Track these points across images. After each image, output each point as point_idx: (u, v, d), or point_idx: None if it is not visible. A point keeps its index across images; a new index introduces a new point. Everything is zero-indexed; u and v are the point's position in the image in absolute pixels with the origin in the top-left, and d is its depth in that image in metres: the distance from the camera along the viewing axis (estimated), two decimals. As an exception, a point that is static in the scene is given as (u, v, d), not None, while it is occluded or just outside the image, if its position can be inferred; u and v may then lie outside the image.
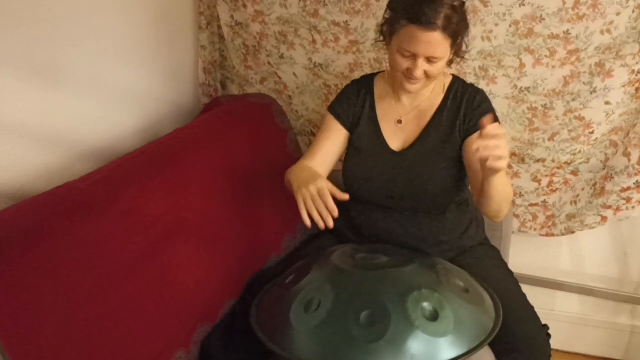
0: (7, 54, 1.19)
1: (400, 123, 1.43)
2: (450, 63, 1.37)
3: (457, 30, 1.25)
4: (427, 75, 1.30)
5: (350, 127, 1.47)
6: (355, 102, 1.48)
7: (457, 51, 1.34)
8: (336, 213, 1.15)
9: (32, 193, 1.20)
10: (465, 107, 1.38)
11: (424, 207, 1.41)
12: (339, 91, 1.87)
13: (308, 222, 1.16)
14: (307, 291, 1.10)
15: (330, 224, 1.14)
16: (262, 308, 1.18)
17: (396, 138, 1.44)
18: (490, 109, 1.39)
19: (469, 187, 1.46)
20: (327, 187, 1.18)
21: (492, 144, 1.05)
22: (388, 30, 1.32)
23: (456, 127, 1.38)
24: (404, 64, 1.28)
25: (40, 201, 1.09)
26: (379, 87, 1.48)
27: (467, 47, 1.38)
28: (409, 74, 1.29)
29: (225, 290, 1.37)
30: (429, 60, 1.26)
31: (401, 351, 0.97)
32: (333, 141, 1.46)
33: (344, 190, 1.46)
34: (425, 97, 1.42)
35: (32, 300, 0.93)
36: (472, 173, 1.35)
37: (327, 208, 1.15)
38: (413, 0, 1.23)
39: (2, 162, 1.20)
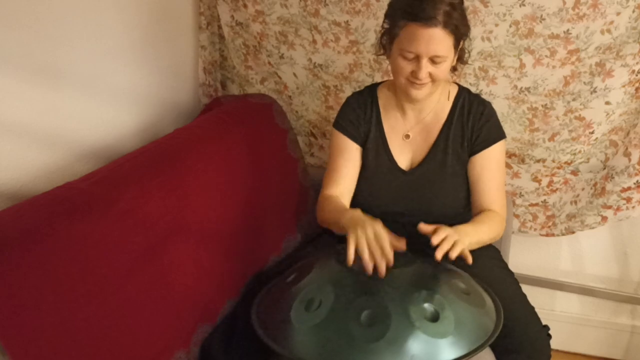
0: (7, 53, 1.19)
1: (407, 138, 1.41)
2: (454, 70, 1.36)
3: (458, 27, 1.23)
4: (432, 79, 1.27)
5: (362, 142, 1.43)
6: (363, 116, 1.43)
7: (461, 56, 1.33)
8: (392, 261, 1.08)
9: (32, 193, 1.20)
10: (472, 123, 1.37)
11: (432, 222, 1.40)
12: (337, 92, 1.89)
13: (370, 268, 1.07)
14: (307, 290, 1.10)
15: (383, 272, 1.06)
16: (263, 307, 1.18)
17: (404, 154, 1.41)
18: (496, 134, 1.38)
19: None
20: (384, 231, 1.12)
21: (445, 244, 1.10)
22: (388, 38, 1.29)
23: (465, 142, 1.37)
24: (408, 67, 1.25)
25: (40, 201, 1.08)
26: (383, 99, 1.44)
27: (469, 54, 1.36)
28: (413, 77, 1.26)
29: (226, 290, 1.37)
30: (433, 61, 1.23)
31: (401, 351, 0.97)
32: (353, 162, 1.42)
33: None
34: (431, 108, 1.40)
35: (32, 300, 0.93)
36: (471, 190, 1.38)
37: (383, 253, 1.08)
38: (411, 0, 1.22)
39: (2, 162, 1.20)
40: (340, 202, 1.36)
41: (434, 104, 1.39)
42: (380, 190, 1.40)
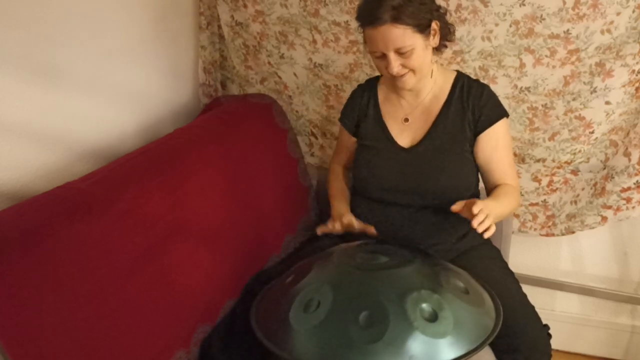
0: (7, 54, 1.19)
1: (407, 121, 1.46)
2: (437, 50, 1.39)
3: (414, 15, 1.26)
4: (410, 68, 1.32)
5: (355, 131, 1.54)
6: (359, 105, 1.54)
7: (443, 35, 1.36)
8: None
9: (32, 193, 1.20)
10: (473, 104, 1.40)
11: (432, 204, 1.41)
12: (338, 91, 1.89)
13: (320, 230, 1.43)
14: (306, 291, 1.10)
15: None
16: (262, 308, 1.18)
17: (404, 135, 1.46)
18: (498, 112, 1.41)
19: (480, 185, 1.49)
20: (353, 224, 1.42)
21: (477, 221, 1.16)
22: (364, 43, 1.38)
23: (465, 123, 1.39)
24: (381, 64, 1.34)
25: (40, 201, 1.09)
26: (383, 88, 1.52)
27: (451, 31, 1.40)
28: (389, 72, 1.33)
29: (225, 290, 1.37)
30: (399, 53, 1.29)
31: (400, 352, 0.97)
32: (352, 151, 1.57)
33: (353, 184, 1.55)
34: (428, 91, 1.44)
35: (32, 300, 0.93)
36: (483, 171, 1.42)
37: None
38: (362, 6, 1.31)
39: (2, 162, 1.20)
40: (340, 181, 1.62)
41: (431, 87, 1.44)
42: (382, 168, 1.44)
